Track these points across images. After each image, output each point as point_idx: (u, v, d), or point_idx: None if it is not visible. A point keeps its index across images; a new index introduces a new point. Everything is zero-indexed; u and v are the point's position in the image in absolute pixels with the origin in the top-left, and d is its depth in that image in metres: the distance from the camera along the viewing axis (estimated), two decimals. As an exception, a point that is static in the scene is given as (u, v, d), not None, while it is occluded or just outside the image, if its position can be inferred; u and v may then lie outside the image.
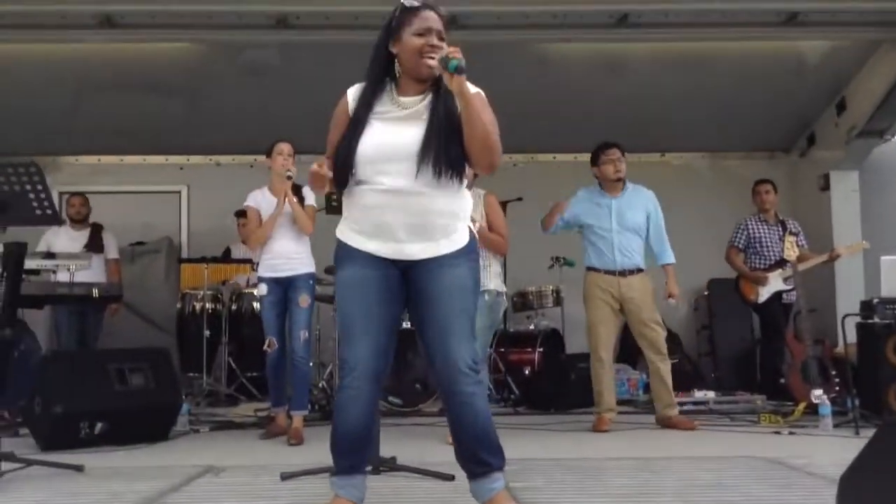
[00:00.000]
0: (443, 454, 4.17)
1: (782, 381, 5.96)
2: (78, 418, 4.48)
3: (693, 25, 6.38)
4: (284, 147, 5.02)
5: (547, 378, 6.52)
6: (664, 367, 5.34)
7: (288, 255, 4.97)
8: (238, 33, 6.39)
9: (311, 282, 5.03)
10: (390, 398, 6.01)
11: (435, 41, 2.60)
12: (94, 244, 6.68)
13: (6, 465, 3.52)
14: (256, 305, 6.96)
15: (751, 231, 6.45)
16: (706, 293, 8.02)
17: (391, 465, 3.57)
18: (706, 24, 6.34)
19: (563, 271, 7.06)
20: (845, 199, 7.71)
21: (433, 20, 2.64)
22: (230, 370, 6.87)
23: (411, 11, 2.65)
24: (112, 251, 6.87)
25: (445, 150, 2.58)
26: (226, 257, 7.30)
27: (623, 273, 5.31)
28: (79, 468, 3.72)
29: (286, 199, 4.92)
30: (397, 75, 2.68)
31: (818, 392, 5.34)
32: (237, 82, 7.12)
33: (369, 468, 3.04)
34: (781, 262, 6.16)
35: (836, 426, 5.00)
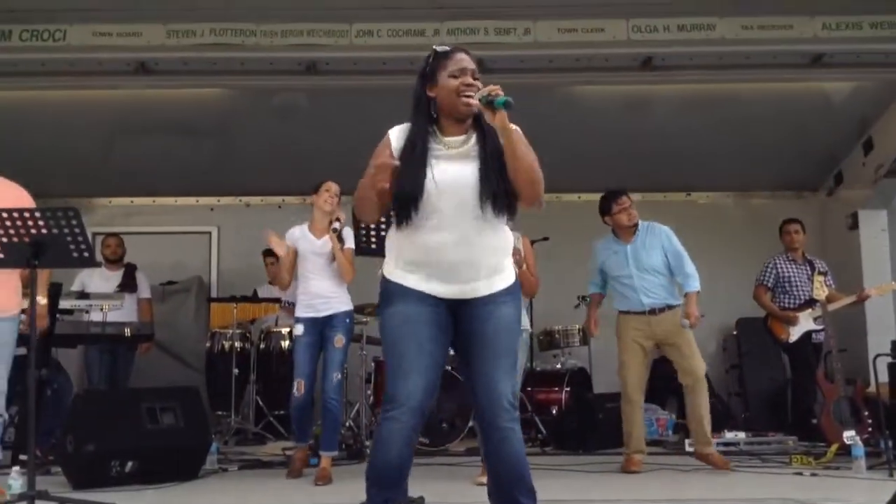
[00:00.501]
0: (470, 494, 4.19)
1: (814, 421, 5.88)
2: (109, 457, 4.52)
3: (717, 67, 6.43)
4: (332, 185, 5.05)
5: (575, 417, 6.48)
6: (703, 400, 5.22)
7: (326, 295, 4.98)
8: (269, 79, 6.57)
9: (348, 320, 5.04)
10: (417, 437, 5.99)
11: (470, 80, 2.68)
12: (128, 284, 6.77)
13: (40, 504, 3.56)
14: (284, 344, 7.03)
15: (779, 270, 6.42)
16: (735, 332, 7.96)
17: (419, 505, 3.57)
18: (730, 66, 6.39)
19: (590, 310, 7.04)
20: (874, 238, 7.67)
21: (466, 61, 2.72)
22: (258, 408, 6.92)
23: (444, 55, 2.74)
24: (144, 291, 6.97)
25: (503, 186, 2.64)
26: (254, 297, 7.39)
27: (653, 311, 5.29)
28: (110, 507, 3.75)
29: (329, 237, 4.89)
30: (437, 117, 2.74)
31: (850, 433, 5.27)
32: (266, 126, 7.27)
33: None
34: (811, 302, 6.12)
35: (869, 468, 4.91)
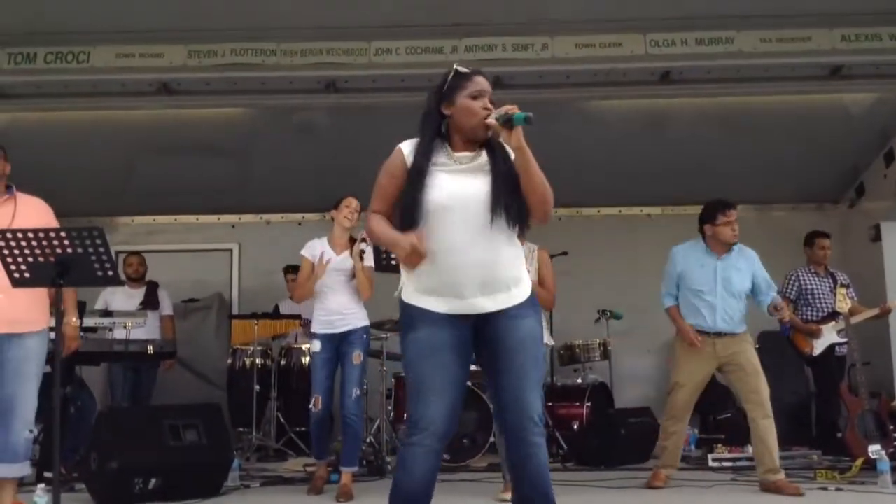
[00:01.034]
0: (492, 511, 4.18)
1: (839, 435, 5.81)
2: (133, 474, 4.55)
3: (736, 80, 6.42)
4: (353, 201, 5.10)
5: (596, 433, 6.44)
6: (768, 425, 4.90)
7: (343, 311, 5.01)
8: (289, 97, 6.64)
9: (365, 336, 5.07)
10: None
11: (488, 104, 2.70)
12: (150, 302, 6.85)
13: (65, 520, 3.59)
14: (305, 360, 7.06)
15: (802, 282, 6.38)
16: (757, 346, 7.85)
17: (440, 522, 3.56)
18: (749, 80, 6.38)
19: (610, 324, 7.03)
20: (898, 250, 7.59)
21: (485, 84, 2.75)
22: (279, 425, 6.94)
23: (465, 76, 2.76)
24: (167, 308, 7.04)
25: (515, 200, 2.66)
26: (275, 313, 7.42)
27: (720, 335, 5.08)
28: (134, 523, 3.77)
29: (350, 253, 4.93)
30: (445, 134, 2.77)
31: (875, 447, 5.19)
32: (287, 144, 7.33)
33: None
34: (833, 315, 6.07)
35: (895, 482, 4.85)
